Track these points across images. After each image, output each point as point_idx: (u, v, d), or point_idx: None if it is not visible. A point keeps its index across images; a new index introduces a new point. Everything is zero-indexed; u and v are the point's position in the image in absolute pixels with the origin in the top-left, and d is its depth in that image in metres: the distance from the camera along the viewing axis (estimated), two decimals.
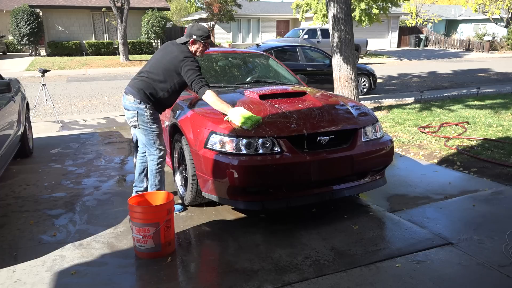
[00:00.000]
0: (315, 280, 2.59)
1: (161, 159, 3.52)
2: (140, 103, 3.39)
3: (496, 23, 29.89)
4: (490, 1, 27.53)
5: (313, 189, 3.30)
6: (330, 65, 7.97)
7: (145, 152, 3.74)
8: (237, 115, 3.21)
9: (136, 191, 3.77)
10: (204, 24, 28.63)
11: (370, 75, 10.67)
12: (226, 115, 3.29)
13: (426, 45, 32.88)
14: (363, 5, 19.97)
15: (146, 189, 3.74)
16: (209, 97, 3.36)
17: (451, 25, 39.12)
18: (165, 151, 3.55)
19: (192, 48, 3.51)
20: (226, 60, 5.05)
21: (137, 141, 3.80)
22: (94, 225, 3.41)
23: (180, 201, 3.80)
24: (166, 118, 4.07)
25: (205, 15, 26.93)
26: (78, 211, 3.69)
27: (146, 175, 3.73)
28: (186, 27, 27.63)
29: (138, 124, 3.44)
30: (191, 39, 3.47)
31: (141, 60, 20.06)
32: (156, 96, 3.44)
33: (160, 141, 3.50)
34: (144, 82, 3.44)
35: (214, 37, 28.51)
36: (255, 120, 3.19)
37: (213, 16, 25.29)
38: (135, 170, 3.80)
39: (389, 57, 24.61)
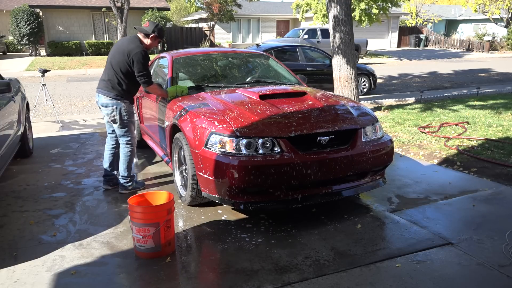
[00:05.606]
0: (315, 280, 2.59)
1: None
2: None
3: (496, 23, 29.90)
4: (490, 1, 27.53)
5: (313, 189, 3.30)
6: (330, 65, 7.97)
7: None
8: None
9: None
10: (204, 24, 28.79)
11: (370, 75, 10.66)
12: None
13: (426, 45, 32.87)
14: (363, 5, 19.97)
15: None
16: None
17: (451, 25, 39.13)
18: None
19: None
20: (226, 60, 5.05)
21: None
22: (94, 225, 3.41)
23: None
24: (166, 118, 4.07)
25: (205, 15, 26.96)
26: (78, 211, 3.69)
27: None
28: (186, 27, 27.69)
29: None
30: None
31: None
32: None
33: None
34: None
35: (214, 37, 28.51)
36: (179, 88, 4.04)
37: (213, 16, 25.30)
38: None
39: (389, 57, 24.59)
